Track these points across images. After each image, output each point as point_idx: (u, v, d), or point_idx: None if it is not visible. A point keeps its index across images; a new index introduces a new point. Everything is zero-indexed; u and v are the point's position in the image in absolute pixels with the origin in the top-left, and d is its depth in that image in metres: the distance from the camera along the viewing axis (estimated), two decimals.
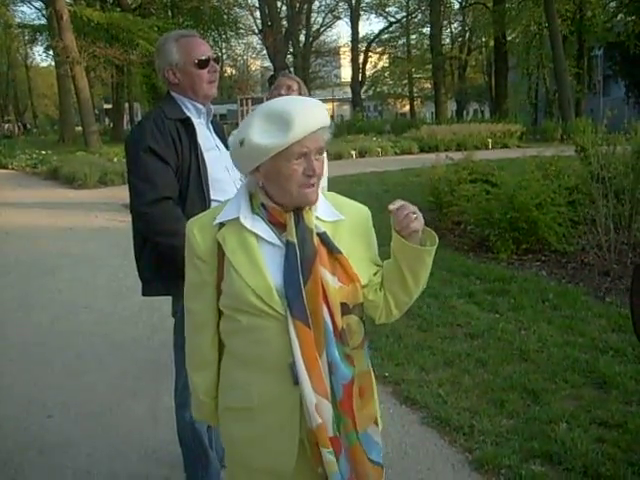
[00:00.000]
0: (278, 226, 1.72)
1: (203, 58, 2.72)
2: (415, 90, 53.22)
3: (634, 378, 4.11)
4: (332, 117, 57.44)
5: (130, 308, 6.05)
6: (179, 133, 2.65)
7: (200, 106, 2.77)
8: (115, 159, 18.96)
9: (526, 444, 3.41)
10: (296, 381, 1.66)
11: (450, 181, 8.84)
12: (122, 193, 14.45)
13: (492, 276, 6.46)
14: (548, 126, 27.56)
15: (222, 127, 3.01)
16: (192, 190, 2.65)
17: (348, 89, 52.82)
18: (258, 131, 1.62)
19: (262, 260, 1.70)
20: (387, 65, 52.65)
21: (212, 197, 2.68)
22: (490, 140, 24.46)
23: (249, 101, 27.42)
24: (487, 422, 3.66)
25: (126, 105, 45.67)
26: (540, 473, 3.17)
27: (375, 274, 1.84)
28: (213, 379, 1.88)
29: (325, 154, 3.35)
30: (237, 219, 1.73)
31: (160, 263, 2.67)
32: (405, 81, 51.98)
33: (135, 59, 29.41)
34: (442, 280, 6.45)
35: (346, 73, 61.92)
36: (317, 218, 1.75)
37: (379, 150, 23.82)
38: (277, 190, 1.69)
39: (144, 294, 2.82)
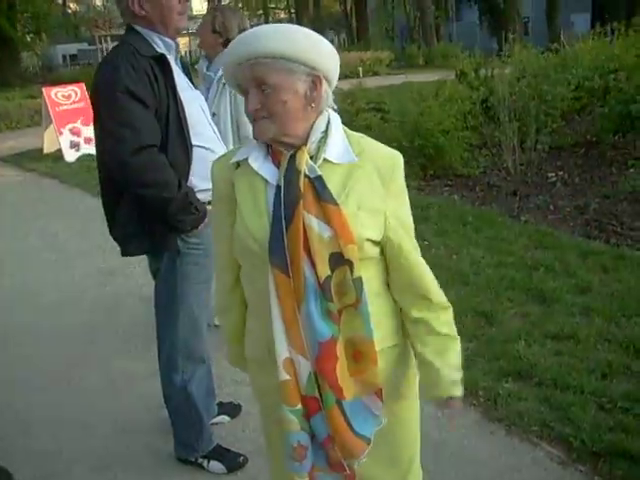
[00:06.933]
0: (279, 167, 1.60)
1: None
2: (271, 21, 52.32)
3: (569, 291, 4.34)
4: (189, 52, 55.43)
5: (44, 269, 5.59)
6: (154, 72, 2.37)
7: (170, 41, 2.50)
8: None
9: (494, 365, 3.53)
10: None
11: (348, 112, 8.79)
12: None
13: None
14: (412, 52, 28.15)
15: (188, 64, 2.76)
16: (172, 135, 2.40)
17: None
18: None
19: (265, 203, 1.59)
20: None
21: (192, 142, 2.47)
22: (360, 68, 24.57)
23: (108, 38, 25.59)
24: None
25: None
26: (515, 390, 3.29)
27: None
28: (235, 325, 1.82)
29: None
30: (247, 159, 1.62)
31: (145, 218, 2.44)
32: (260, 12, 50.99)
33: None
34: None
35: (198, 6, 59.56)
36: (325, 160, 1.59)
37: None
38: None
39: (125, 254, 2.56)
